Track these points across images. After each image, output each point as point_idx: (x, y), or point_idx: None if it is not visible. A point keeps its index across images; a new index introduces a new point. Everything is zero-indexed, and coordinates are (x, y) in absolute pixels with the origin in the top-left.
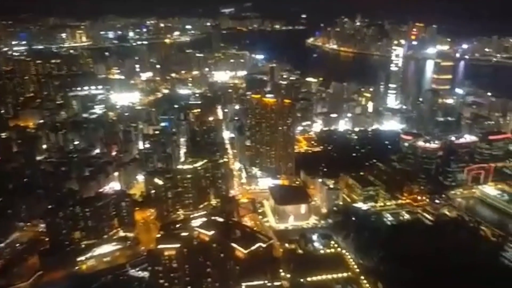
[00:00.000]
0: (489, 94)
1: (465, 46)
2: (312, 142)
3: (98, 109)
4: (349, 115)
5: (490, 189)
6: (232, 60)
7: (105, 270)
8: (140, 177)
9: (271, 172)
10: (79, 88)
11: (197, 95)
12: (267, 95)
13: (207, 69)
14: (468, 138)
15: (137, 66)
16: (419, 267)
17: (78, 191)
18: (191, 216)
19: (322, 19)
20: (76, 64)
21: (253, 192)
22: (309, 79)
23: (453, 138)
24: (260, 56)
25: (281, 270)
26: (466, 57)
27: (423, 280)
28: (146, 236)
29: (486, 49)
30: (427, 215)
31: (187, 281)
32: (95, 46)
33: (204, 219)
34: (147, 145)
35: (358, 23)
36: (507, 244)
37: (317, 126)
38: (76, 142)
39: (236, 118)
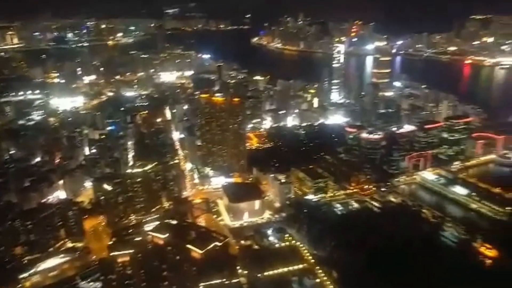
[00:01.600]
0: (423, 86)
1: (399, 42)
2: (263, 138)
3: (36, 115)
4: (296, 111)
5: (429, 175)
6: (178, 60)
7: (52, 285)
8: (88, 184)
9: (224, 170)
10: (12, 94)
11: (143, 97)
12: (216, 94)
13: (152, 70)
14: (407, 128)
15: (78, 69)
16: (369, 252)
17: (18, 203)
18: (144, 220)
19: (266, 18)
20: (8, 68)
21: (206, 192)
22: (256, 77)
23: (394, 129)
24: (206, 56)
25: (238, 267)
26: (401, 52)
27: (374, 264)
28: (97, 244)
29: (418, 45)
30: (374, 203)
31: (143, 287)
32: (29, 48)
33: (157, 222)
34: (94, 150)
35: (300, 22)
36: (445, 224)
37: (267, 123)
38: (12, 151)
39: (185, 118)
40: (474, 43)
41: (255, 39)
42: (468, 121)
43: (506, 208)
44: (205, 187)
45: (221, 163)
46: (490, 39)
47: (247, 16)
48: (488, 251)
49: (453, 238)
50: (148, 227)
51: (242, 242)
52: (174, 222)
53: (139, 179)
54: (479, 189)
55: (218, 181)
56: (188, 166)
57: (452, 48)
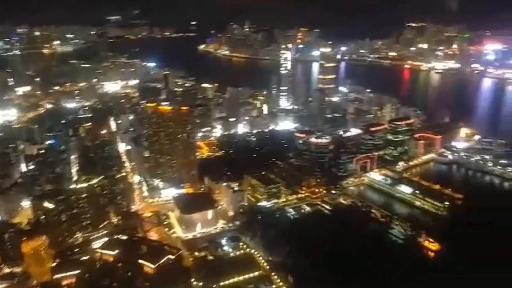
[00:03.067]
0: (367, 90)
1: (343, 48)
2: (214, 147)
3: None
4: (246, 118)
5: (376, 175)
6: (122, 69)
7: None
8: (26, 203)
9: (174, 181)
10: None
11: (86, 108)
12: (163, 103)
13: (95, 80)
14: (353, 131)
15: (10, 79)
16: (323, 255)
17: None
18: (91, 237)
19: (212, 25)
20: None
21: (156, 204)
22: (204, 85)
23: (341, 132)
24: (152, 64)
25: (193, 279)
26: (346, 58)
27: (328, 266)
28: (39, 268)
29: (361, 50)
30: (325, 205)
31: None
32: None
33: (106, 239)
34: (32, 167)
35: (247, 29)
36: (393, 222)
37: (217, 131)
38: None
39: (131, 129)
40: (411, 48)
41: (202, 46)
42: (410, 123)
43: (445, 203)
44: (155, 199)
45: (171, 174)
46: (425, 45)
47: (193, 23)
48: (431, 245)
49: (400, 235)
50: (96, 244)
51: (196, 253)
52: (124, 237)
53: (84, 195)
54: (421, 187)
55: (169, 193)
56: (136, 178)
57: (392, 54)
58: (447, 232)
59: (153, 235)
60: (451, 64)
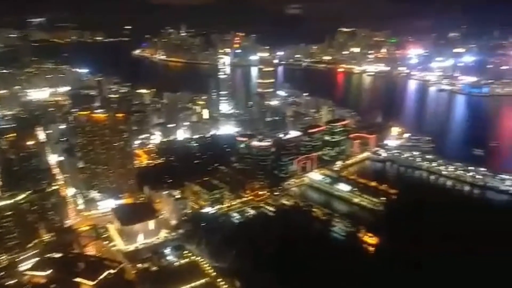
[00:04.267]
0: (304, 94)
1: (280, 53)
2: (153, 154)
3: None
4: (186, 123)
5: (316, 175)
6: (49, 76)
7: None
8: None
9: (112, 192)
10: None
11: (8, 117)
12: (97, 111)
13: (18, 87)
14: (293, 133)
15: None
16: (268, 256)
17: None
18: (18, 259)
19: (146, 30)
20: None
21: (94, 217)
22: (141, 90)
23: (281, 135)
24: (83, 70)
25: None
26: (283, 62)
27: (273, 266)
28: None
29: (297, 55)
30: (269, 207)
31: None
32: None
33: (37, 258)
34: None
35: (183, 34)
36: (334, 220)
37: (156, 137)
38: None
39: (63, 139)
40: (344, 52)
41: (137, 51)
42: (345, 124)
43: (381, 198)
44: (92, 212)
45: (108, 184)
46: (357, 49)
47: (127, 27)
48: (370, 239)
49: (341, 232)
50: (24, 265)
51: (139, 265)
52: (58, 255)
53: (8, 212)
54: (359, 184)
55: (107, 204)
56: (70, 191)
57: (327, 58)
58: (384, 226)
59: (91, 250)
60: (381, 67)
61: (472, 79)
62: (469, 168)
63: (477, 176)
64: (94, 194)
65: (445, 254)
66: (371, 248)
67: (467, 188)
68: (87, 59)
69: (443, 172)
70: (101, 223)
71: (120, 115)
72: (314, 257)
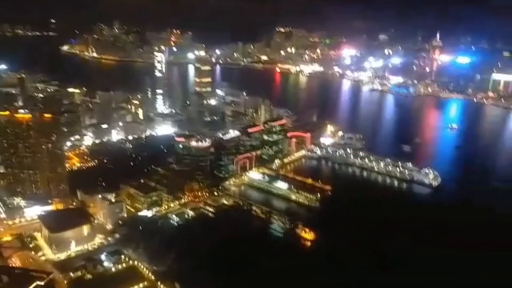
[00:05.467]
0: (243, 93)
1: (218, 51)
2: (85, 157)
3: None
4: (120, 124)
5: (255, 174)
6: None
7: None
8: None
9: (39, 198)
10: None
11: None
12: (20, 111)
13: None
14: (232, 133)
15: None
16: (208, 257)
17: None
18: None
19: (75, 25)
20: None
21: (18, 226)
22: (71, 89)
23: (220, 135)
24: (2, 66)
25: None
26: (220, 61)
27: (213, 267)
28: None
29: (235, 54)
30: (209, 208)
31: None
32: None
33: None
34: None
35: (116, 30)
36: (273, 217)
37: (88, 139)
38: None
39: None
40: (281, 53)
41: (65, 48)
42: (283, 123)
43: (317, 195)
44: (16, 220)
45: (35, 190)
46: (293, 50)
47: (52, 21)
48: (308, 235)
49: (279, 228)
50: None
51: (72, 274)
52: None
53: None
54: (296, 182)
55: (33, 212)
56: None
57: (264, 57)
58: (320, 221)
59: (15, 262)
60: (316, 68)
61: (399, 79)
62: (398, 163)
63: (405, 171)
64: (18, 201)
65: (377, 246)
66: (308, 243)
67: (396, 182)
68: (7, 54)
69: (375, 168)
70: (27, 231)
71: (48, 115)
72: (254, 255)
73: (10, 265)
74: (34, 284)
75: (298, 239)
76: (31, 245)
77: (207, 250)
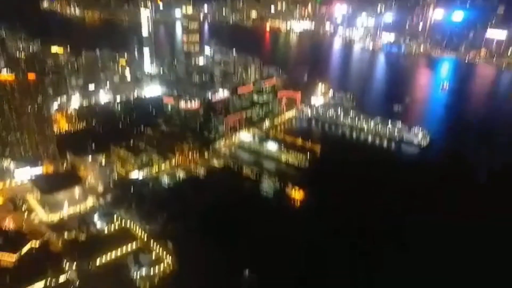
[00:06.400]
0: (232, 52)
1: (206, 8)
2: (73, 119)
3: None
4: (108, 85)
5: (245, 135)
6: None
7: None
8: None
9: (29, 161)
10: None
11: None
12: (2, 72)
13: None
14: (221, 93)
15: None
16: (199, 217)
17: None
18: None
19: None
20: None
21: (9, 188)
22: (54, 48)
23: (209, 95)
24: None
25: (65, 262)
26: (209, 19)
27: (204, 227)
28: None
29: (224, 11)
30: (199, 169)
31: None
32: None
33: None
34: None
35: None
36: (263, 178)
37: (76, 100)
38: None
39: None
40: (271, 9)
41: (45, 5)
42: (273, 83)
43: (307, 155)
44: (7, 183)
45: (24, 152)
46: (284, 6)
47: None
48: (297, 194)
49: (269, 189)
50: None
51: (65, 235)
52: None
53: None
54: (286, 143)
55: (24, 174)
56: None
57: (254, 14)
58: (309, 181)
59: (9, 224)
60: (307, 25)
61: (391, 38)
62: (388, 123)
63: (394, 131)
64: (8, 163)
65: (363, 203)
66: (297, 202)
67: (385, 142)
68: None
69: (364, 128)
70: (18, 194)
71: (32, 76)
72: (244, 215)
73: (4, 227)
74: (29, 245)
75: (288, 199)
76: (23, 208)
77: (198, 211)
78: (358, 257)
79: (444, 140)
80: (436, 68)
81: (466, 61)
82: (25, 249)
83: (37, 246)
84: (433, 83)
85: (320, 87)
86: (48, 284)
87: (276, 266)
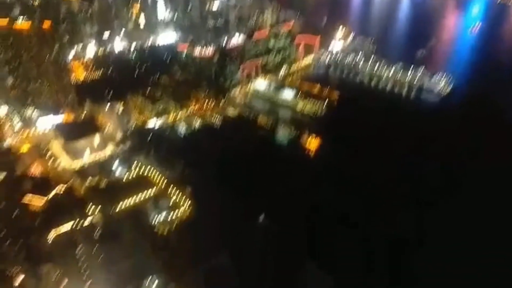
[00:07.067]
0: None
1: None
2: (90, 67)
3: None
4: (122, 32)
5: (261, 83)
6: None
7: None
8: None
9: (51, 109)
10: None
11: None
12: (18, 20)
13: None
14: (237, 39)
15: None
16: (215, 165)
17: None
18: None
19: None
20: None
21: (34, 136)
22: None
23: (224, 41)
24: None
25: (88, 207)
26: None
27: (222, 174)
28: None
29: None
30: (215, 118)
31: None
32: None
33: None
34: None
35: None
36: (278, 127)
37: (91, 49)
38: None
39: None
40: None
41: None
42: (290, 27)
43: (324, 103)
44: (31, 131)
45: (45, 101)
46: None
47: None
48: (312, 143)
49: (285, 137)
50: None
51: (88, 181)
52: (1, 176)
53: None
54: (302, 90)
55: (47, 122)
56: (2, 110)
57: None
58: (325, 130)
59: (36, 169)
60: None
61: None
62: (409, 70)
63: (415, 78)
64: (31, 112)
65: (381, 152)
66: (312, 150)
67: (405, 90)
68: None
69: (384, 75)
70: (42, 142)
71: (47, 24)
72: (259, 163)
73: (32, 172)
74: (55, 190)
75: (303, 147)
76: (47, 155)
77: (213, 159)
78: (374, 204)
79: (471, 84)
80: (466, 10)
81: (498, 2)
82: (51, 194)
83: (62, 191)
84: (462, 25)
85: (340, 31)
86: (74, 226)
87: (290, 213)
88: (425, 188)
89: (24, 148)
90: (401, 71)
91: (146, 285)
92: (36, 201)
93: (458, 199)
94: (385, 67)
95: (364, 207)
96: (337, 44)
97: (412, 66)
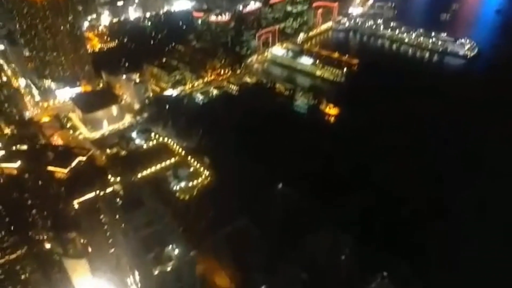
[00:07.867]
0: None
1: None
2: (105, 37)
3: None
4: (136, 0)
5: (278, 50)
6: None
7: None
8: None
9: (68, 80)
10: None
11: None
12: None
13: None
14: (253, 5)
15: None
16: (233, 134)
17: None
18: None
19: None
20: None
21: (54, 107)
22: None
23: (240, 8)
24: None
25: (110, 176)
26: None
27: (239, 142)
28: None
29: None
30: (232, 86)
31: (8, 222)
32: None
33: (2, 152)
34: None
35: None
36: (296, 94)
37: (105, 18)
38: None
39: None
40: None
41: None
42: None
43: (343, 70)
44: (51, 102)
45: (62, 72)
46: None
47: None
48: (332, 110)
49: (303, 105)
50: None
51: (108, 151)
52: (24, 147)
53: None
54: (321, 57)
55: (65, 93)
56: (21, 82)
57: None
58: (345, 97)
59: (57, 140)
60: None
61: None
62: (431, 34)
63: (438, 42)
64: (49, 83)
65: (402, 118)
66: (332, 118)
67: (428, 54)
68: None
69: (405, 40)
70: (62, 112)
71: None
72: (278, 131)
73: (53, 143)
74: (77, 160)
75: (322, 115)
76: (68, 125)
77: (232, 127)
78: (395, 173)
79: (496, 49)
80: None
81: None
82: (73, 164)
83: (84, 161)
84: None
85: None
86: (97, 194)
87: (308, 180)
88: (443, 157)
89: (45, 119)
90: (423, 35)
91: (168, 252)
92: (60, 171)
93: (479, 165)
94: (406, 31)
95: (385, 172)
96: (357, 8)
97: (434, 31)
